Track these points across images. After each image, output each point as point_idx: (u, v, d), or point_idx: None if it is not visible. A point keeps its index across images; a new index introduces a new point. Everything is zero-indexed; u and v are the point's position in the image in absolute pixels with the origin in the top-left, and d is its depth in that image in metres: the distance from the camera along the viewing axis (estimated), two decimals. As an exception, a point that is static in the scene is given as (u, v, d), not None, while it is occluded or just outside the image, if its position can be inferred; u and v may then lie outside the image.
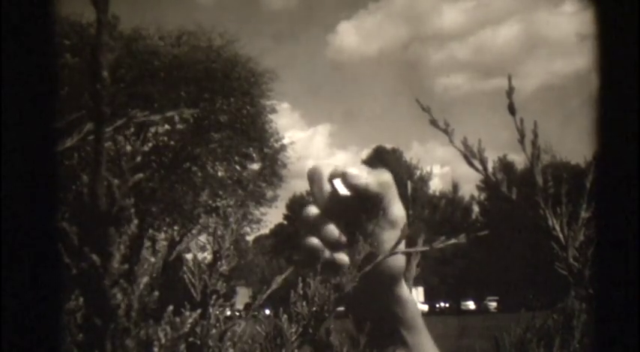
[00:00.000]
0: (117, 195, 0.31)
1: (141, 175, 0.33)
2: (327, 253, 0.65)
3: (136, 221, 0.32)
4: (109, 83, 0.31)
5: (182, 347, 0.39)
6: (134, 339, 0.32)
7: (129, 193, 0.31)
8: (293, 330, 0.58)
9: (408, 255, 0.68)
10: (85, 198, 0.31)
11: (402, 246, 0.64)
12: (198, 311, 0.43)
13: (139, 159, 0.33)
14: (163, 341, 0.37)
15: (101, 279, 0.31)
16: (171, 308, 0.41)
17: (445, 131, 0.55)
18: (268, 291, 0.54)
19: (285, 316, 0.58)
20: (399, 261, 0.67)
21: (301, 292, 0.58)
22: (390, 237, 0.65)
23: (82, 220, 0.31)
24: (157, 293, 0.34)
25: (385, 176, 0.67)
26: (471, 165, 0.55)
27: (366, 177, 0.66)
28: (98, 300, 0.32)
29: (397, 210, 0.67)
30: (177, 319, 0.40)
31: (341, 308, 0.63)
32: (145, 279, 0.33)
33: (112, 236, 0.31)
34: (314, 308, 0.58)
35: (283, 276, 0.56)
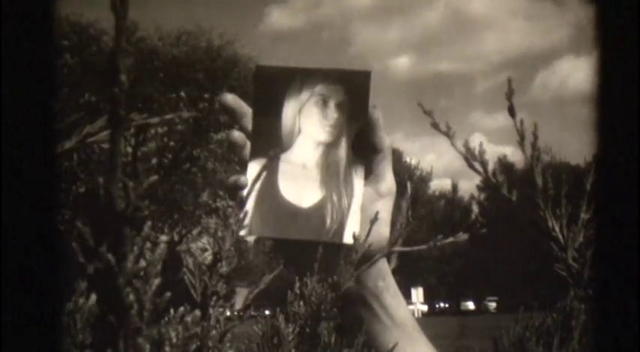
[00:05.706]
0: (132, 197, 0.31)
1: (156, 177, 0.33)
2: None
3: (149, 222, 0.33)
4: (127, 87, 0.31)
5: (193, 347, 0.39)
6: (147, 338, 0.33)
7: (144, 195, 0.32)
8: (290, 330, 0.57)
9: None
10: (101, 199, 0.31)
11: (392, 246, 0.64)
12: (197, 311, 0.43)
13: (154, 161, 0.33)
14: (174, 340, 0.37)
15: (116, 278, 0.31)
16: (182, 308, 0.41)
17: (447, 134, 0.55)
18: (255, 291, 0.54)
19: (282, 315, 0.58)
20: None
21: (298, 291, 0.58)
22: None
23: (97, 221, 0.32)
24: (169, 293, 0.34)
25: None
26: (472, 167, 0.55)
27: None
28: (112, 299, 0.32)
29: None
30: (189, 318, 0.40)
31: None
32: (158, 280, 0.33)
33: (127, 236, 0.31)
34: (311, 308, 0.58)
35: (271, 276, 0.56)
